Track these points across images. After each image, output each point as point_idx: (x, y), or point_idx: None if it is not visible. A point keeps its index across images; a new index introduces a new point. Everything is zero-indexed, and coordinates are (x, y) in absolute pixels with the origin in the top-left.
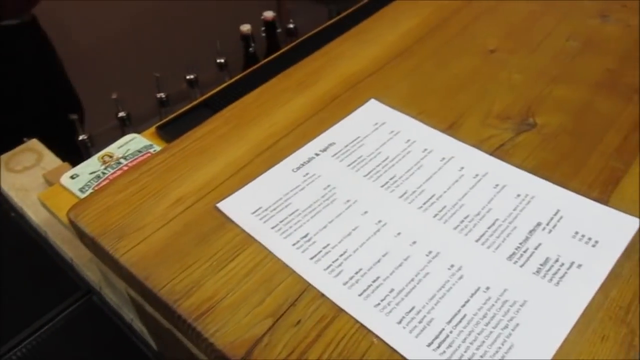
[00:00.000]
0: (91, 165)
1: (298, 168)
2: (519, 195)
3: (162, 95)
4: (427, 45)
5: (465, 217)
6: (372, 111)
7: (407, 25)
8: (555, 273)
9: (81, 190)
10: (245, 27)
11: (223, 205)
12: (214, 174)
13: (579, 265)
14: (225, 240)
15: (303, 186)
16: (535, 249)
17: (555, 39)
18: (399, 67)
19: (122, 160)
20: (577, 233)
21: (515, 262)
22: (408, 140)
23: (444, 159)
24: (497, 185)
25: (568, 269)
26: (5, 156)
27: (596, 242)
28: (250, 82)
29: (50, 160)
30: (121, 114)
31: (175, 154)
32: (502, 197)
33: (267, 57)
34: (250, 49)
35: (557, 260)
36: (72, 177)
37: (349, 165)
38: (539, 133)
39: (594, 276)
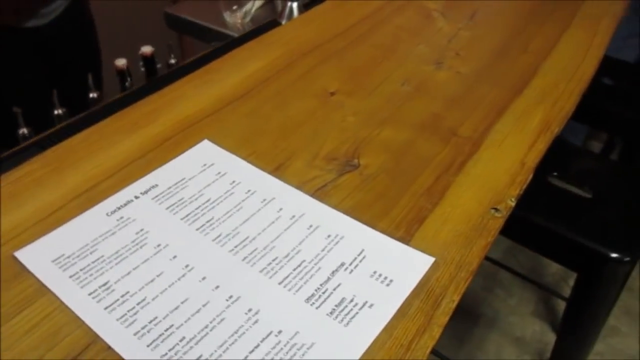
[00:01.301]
0: None
1: (113, 212)
2: (329, 236)
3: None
4: (270, 87)
5: (274, 260)
6: (203, 152)
7: (253, 67)
8: (347, 313)
9: None
10: (120, 62)
11: (21, 254)
12: (20, 220)
13: (371, 305)
14: (15, 292)
15: (114, 231)
16: (334, 289)
17: (391, 83)
18: (238, 109)
19: None
20: (375, 272)
21: (313, 304)
22: (233, 182)
23: (264, 200)
24: (310, 226)
25: (360, 308)
26: None
27: (391, 280)
28: (91, 122)
29: None
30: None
31: None
32: (313, 238)
33: None
34: (127, 83)
35: (351, 301)
36: None
37: (167, 208)
38: (361, 174)
39: (382, 315)
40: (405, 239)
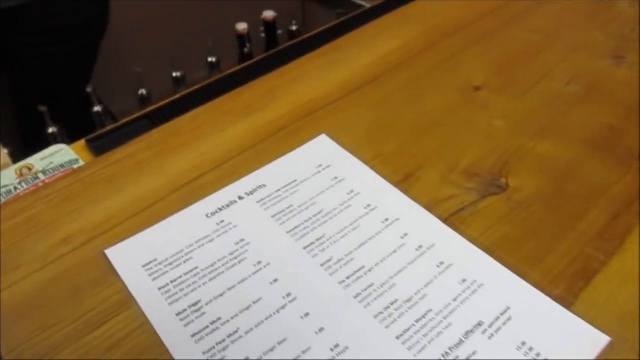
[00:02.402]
0: (6, 177)
1: (214, 213)
2: (464, 281)
3: (144, 91)
4: (403, 73)
5: (392, 303)
6: (320, 150)
7: (386, 47)
8: None
9: None
10: (241, 27)
11: (112, 253)
12: (116, 210)
13: None
14: (102, 297)
15: (212, 237)
16: (468, 358)
17: (553, 81)
18: (364, 97)
19: (40, 175)
20: (523, 344)
21: None
22: (351, 192)
23: (387, 220)
24: (441, 263)
25: None
26: None
27: None
28: (206, 95)
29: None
30: (97, 109)
31: (82, 179)
32: (443, 280)
33: None
34: (245, 49)
35: None
36: None
37: (273, 216)
38: (509, 199)
39: None
40: (567, 301)
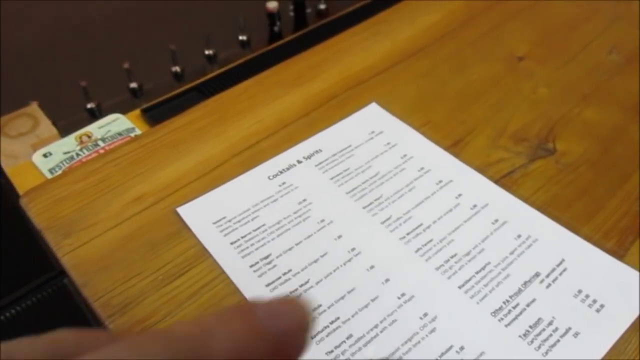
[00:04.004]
0: (67, 144)
1: (275, 175)
2: (519, 236)
3: (177, 69)
4: (446, 45)
5: (452, 257)
6: (371, 117)
7: (428, 20)
8: (546, 339)
9: (51, 170)
10: (272, 5)
11: (183, 210)
12: (182, 173)
13: (576, 334)
14: (177, 251)
15: (276, 197)
16: (528, 305)
17: (595, 51)
18: (410, 68)
19: (99, 142)
20: (580, 292)
21: (501, 320)
22: (404, 156)
23: (440, 182)
24: (496, 220)
25: (562, 336)
26: (3, 119)
27: (601, 305)
28: (251, 69)
29: (46, 128)
30: (133, 85)
31: (145, 144)
32: (499, 236)
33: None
34: (275, 27)
35: (550, 323)
36: (44, 156)
37: (332, 179)
38: (557, 162)
39: (591, 349)
40: (618, 253)
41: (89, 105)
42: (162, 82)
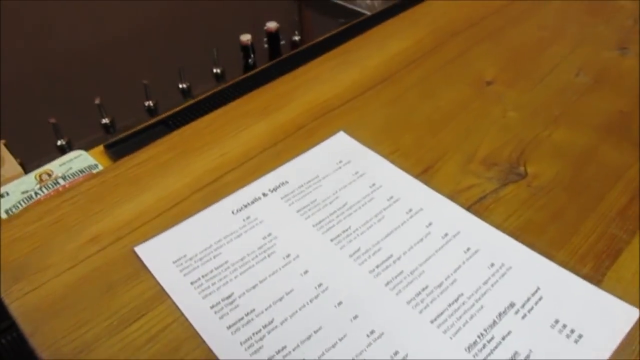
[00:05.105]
0: (25, 182)
1: (239, 210)
2: (492, 265)
3: (151, 103)
4: (414, 71)
5: (424, 289)
6: (339, 146)
7: (396, 47)
8: None
9: (7, 211)
10: (245, 37)
11: (141, 250)
12: (142, 209)
13: None
14: (135, 293)
15: (240, 232)
16: (503, 338)
17: (562, 73)
18: (379, 96)
19: (60, 180)
20: (557, 322)
21: (476, 355)
22: (373, 185)
23: (410, 210)
24: (468, 249)
25: None
26: None
27: (580, 336)
28: (221, 101)
29: (10, 167)
30: (105, 121)
31: (105, 181)
32: (471, 265)
33: None
34: (250, 60)
35: (527, 358)
36: (1, 196)
37: (298, 211)
38: (529, 186)
39: None
40: (595, 279)
41: (59, 143)
42: (140, 118)
